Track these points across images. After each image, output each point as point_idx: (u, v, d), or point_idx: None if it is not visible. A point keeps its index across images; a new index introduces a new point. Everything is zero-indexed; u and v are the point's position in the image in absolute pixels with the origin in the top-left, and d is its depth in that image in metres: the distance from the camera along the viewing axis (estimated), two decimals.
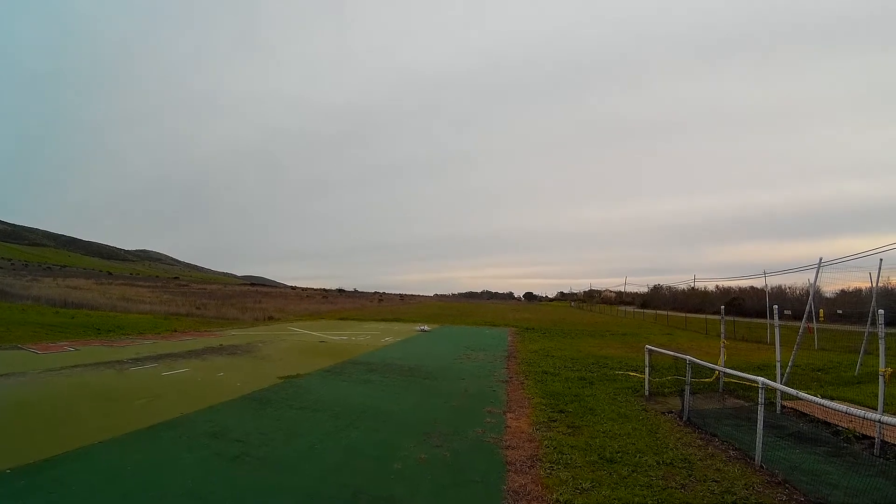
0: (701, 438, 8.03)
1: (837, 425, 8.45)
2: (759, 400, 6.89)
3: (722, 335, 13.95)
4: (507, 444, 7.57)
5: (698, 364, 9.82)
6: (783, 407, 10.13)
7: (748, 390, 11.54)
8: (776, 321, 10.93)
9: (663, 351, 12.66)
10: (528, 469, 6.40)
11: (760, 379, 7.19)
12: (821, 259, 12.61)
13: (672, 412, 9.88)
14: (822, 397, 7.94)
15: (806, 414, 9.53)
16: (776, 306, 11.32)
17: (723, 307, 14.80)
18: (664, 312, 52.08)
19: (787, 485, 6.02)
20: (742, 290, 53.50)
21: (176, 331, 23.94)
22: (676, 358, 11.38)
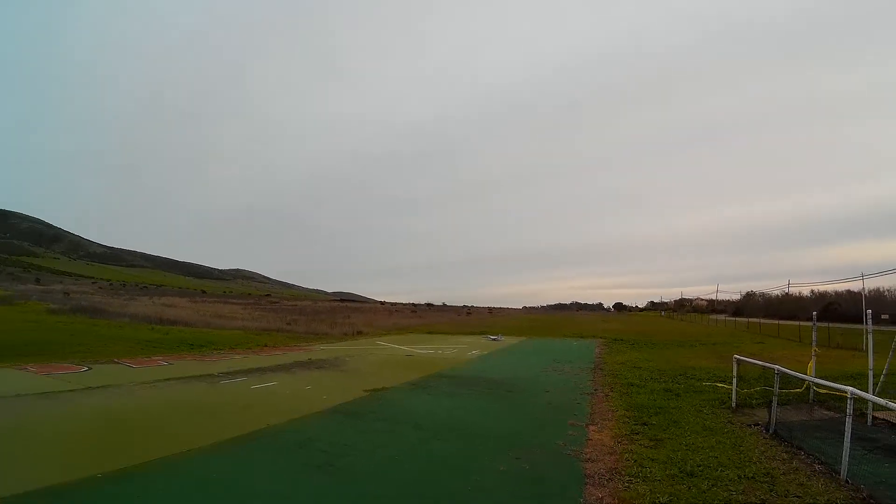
0: (786, 452, 7.79)
1: None
2: (847, 411, 6.63)
3: (813, 343, 13.23)
4: (588, 456, 7.66)
5: (787, 374, 9.47)
6: (875, 418, 9.56)
7: (839, 401, 10.88)
8: (869, 326, 10.33)
9: (751, 360, 12.18)
10: (606, 482, 6.49)
11: (849, 389, 6.91)
12: None
13: (758, 424, 9.60)
14: None
15: None
16: (869, 311, 10.68)
17: (814, 313, 14.02)
18: (756, 320, 49.00)
19: (871, 500, 5.80)
20: (838, 294, 49.48)
21: (266, 346, 24.90)
22: (765, 368, 10.97)
